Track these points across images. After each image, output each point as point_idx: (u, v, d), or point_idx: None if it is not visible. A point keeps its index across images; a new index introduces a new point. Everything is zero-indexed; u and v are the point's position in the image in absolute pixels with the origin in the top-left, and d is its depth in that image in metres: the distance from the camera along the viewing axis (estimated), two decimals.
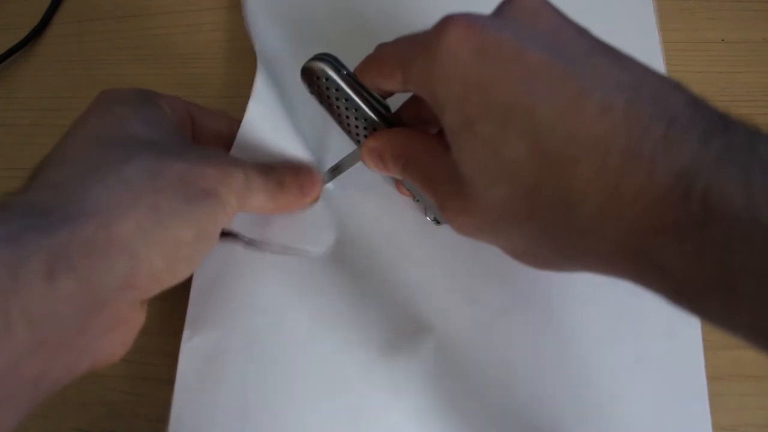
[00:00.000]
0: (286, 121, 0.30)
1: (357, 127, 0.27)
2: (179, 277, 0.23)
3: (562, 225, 0.19)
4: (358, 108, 0.26)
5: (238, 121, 0.28)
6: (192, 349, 0.29)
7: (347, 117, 0.26)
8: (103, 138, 0.23)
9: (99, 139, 0.23)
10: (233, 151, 0.28)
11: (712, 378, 0.28)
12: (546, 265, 0.22)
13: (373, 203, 0.32)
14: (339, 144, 0.30)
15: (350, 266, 0.30)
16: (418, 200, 0.31)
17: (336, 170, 0.30)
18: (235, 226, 0.30)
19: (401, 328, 0.29)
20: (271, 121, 0.29)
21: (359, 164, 0.28)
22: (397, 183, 0.31)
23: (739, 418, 0.28)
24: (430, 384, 0.28)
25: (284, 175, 0.28)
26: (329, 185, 0.31)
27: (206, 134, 0.29)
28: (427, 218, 0.31)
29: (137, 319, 0.23)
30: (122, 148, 0.23)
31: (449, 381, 0.28)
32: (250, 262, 0.30)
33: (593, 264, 0.19)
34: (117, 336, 0.23)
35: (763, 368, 0.29)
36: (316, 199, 0.30)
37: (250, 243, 0.30)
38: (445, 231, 0.31)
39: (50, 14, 0.42)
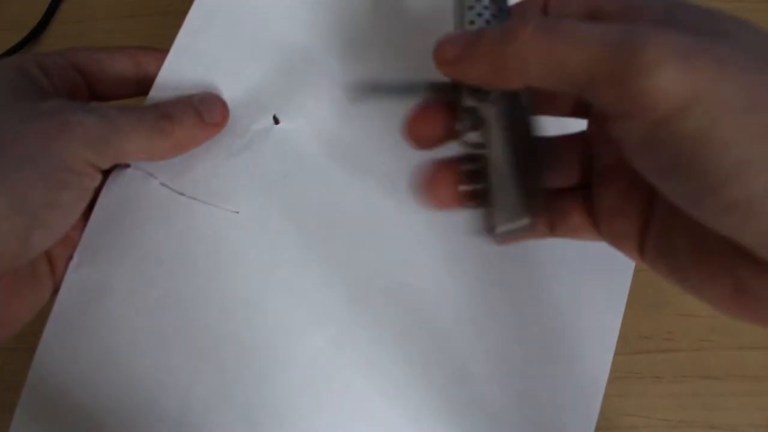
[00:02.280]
0: (228, 52, 0.27)
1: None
2: (17, 253, 0.22)
3: None
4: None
5: (152, 55, 0.25)
6: (75, 280, 0.26)
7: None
8: None
9: None
10: (152, 93, 0.25)
11: (712, 379, 0.28)
12: None
13: (339, 164, 0.27)
14: (305, 78, 0.27)
15: (276, 239, 0.27)
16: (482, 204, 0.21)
17: (379, 89, 0.22)
18: (149, 167, 0.27)
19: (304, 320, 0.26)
20: (204, 56, 0.26)
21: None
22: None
23: (739, 418, 0.28)
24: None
25: (172, 106, 0.24)
26: (282, 125, 0.27)
27: (108, 83, 0.26)
28: (480, 230, 0.22)
29: None
30: None
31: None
32: (159, 199, 0.27)
33: None
34: None
35: (763, 368, 0.29)
36: (220, 127, 0.26)
37: (164, 185, 0.27)
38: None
39: (50, 14, 0.42)
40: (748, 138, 0.14)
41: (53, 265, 0.26)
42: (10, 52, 0.41)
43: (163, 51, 0.27)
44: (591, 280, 0.27)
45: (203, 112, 0.25)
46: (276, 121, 0.27)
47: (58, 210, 0.22)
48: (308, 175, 0.27)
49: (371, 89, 0.22)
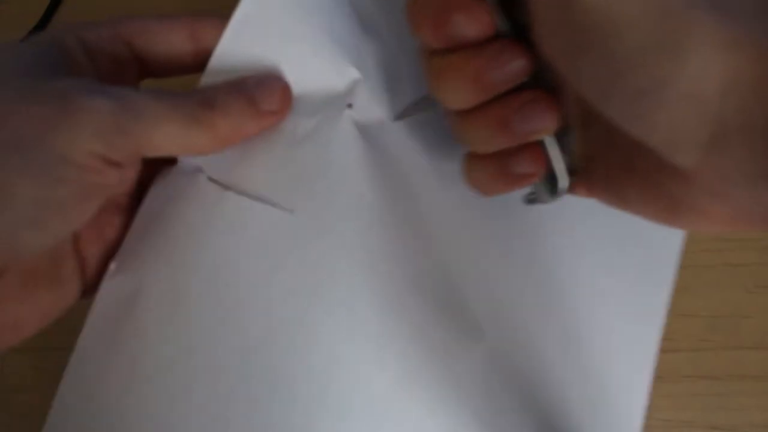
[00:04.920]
0: (299, 23, 0.22)
1: None
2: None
3: None
4: None
5: (211, 25, 0.22)
6: (109, 289, 0.23)
7: None
8: None
9: None
10: (206, 74, 0.22)
11: (712, 379, 0.28)
12: None
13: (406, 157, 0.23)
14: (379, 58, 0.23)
15: (337, 248, 0.22)
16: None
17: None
18: (198, 160, 0.23)
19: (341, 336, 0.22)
20: (272, 26, 0.22)
21: None
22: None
23: (739, 419, 0.28)
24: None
25: (217, 91, 0.21)
26: (356, 113, 0.22)
27: (162, 59, 0.22)
28: (530, 197, 0.23)
29: None
30: None
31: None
32: (205, 197, 0.23)
33: None
34: None
35: (763, 368, 0.29)
36: (279, 116, 0.22)
37: (213, 180, 0.23)
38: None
39: (49, 14, 0.42)
40: (655, 20, 0.13)
41: (84, 266, 0.23)
42: None
43: (223, 20, 0.22)
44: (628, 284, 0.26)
45: (258, 98, 0.21)
46: (349, 105, 0.23)
47: (52, 208, 0.19)
48: (383, 175, 0.23)
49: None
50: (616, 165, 0.18)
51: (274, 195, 0.22)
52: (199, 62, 0.22)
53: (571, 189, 0.21)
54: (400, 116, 0.23)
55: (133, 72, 0.22)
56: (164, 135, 0.19)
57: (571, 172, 0.20)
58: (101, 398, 0.22)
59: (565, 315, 0.25)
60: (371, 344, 0.21)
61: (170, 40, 0.22)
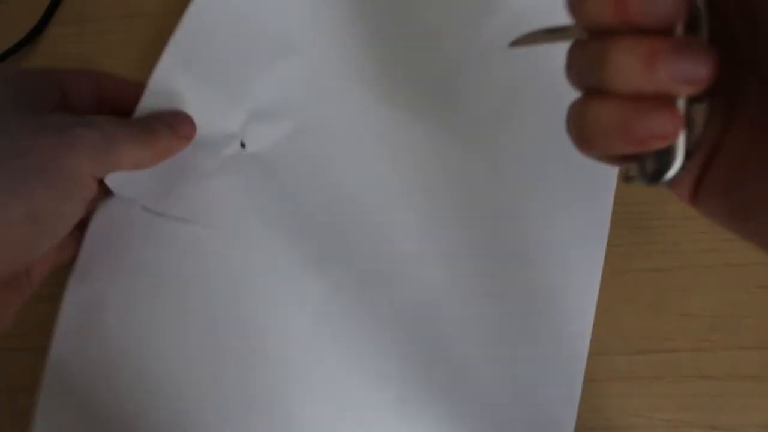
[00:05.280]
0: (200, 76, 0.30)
1: None
2: (22, 259, 0.24)
3: None
4: None
5: (115, 83, 0.29)
6: (74, 297, 0.29)
7: None
8: None
9: None
10: (138, 111, 0.29)
11: (712, 379, 0.28)
12: None
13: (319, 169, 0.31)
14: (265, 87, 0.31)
15: (248, 253, 0.30)
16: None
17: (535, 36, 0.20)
18: (130, 192, 0.29)
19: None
20: (176, 96, 0.29)
21: None
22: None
23: (739, 419, 0.28)
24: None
25: (153, 121, 0.28)
26: (249, 149, 0.31)
27: (123, 104, 0.29)
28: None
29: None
30: None
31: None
32: (142, 221, 0.30)
33: None
34: None
35: (763, 368, 0.29)
36: (189, 140, 0.30)
37: (146, 209, 0.30)
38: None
39: (49, 15, 0.42)
40: None
41: (30, 272, 0.27)
42: (9, 52, 0.41)
43: (131, 84, 0.30)
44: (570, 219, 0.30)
45: (176, 127, 0.28)
46: (243, 145, 0.31)
47: (61, 219, 0.24)
48: (275, 193, 0.31)
49: (527, 38, 0.20)
50: (759, 170, 0.16)
51: (195, 216, 0.30)
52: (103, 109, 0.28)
53: (679, 181, 0.17)
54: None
55: (101, 107, 0.28)
56: (126, 154, 0.26)
57: (689, 153, 0.17)
58: (82, 383, 0.28)
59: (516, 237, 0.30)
60: (286, 296, 0.30)
61: (128, 92, 0.29)
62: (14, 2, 0.43)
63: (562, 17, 0.17)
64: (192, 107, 0.30)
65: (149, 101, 0.29)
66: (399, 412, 0.29)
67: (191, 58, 0.30)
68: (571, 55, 0.17)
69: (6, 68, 0.28)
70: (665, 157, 0.17)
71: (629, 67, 0.15)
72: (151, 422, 0.28)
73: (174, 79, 0.29)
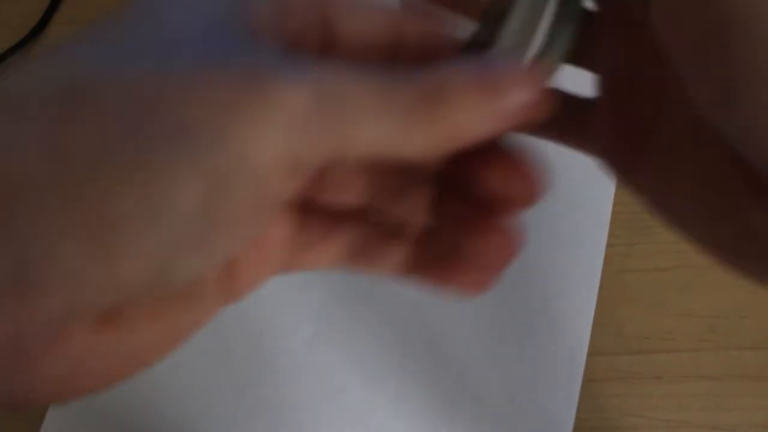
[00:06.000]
0: None
1: None
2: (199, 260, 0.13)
3: None
4: None
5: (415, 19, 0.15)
6: None
7: None
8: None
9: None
10: None
11: (712, 379, 0.28)
12: None
13: None
14: None
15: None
16: None
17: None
18: None
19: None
20: None
21: None
22: None
23: (739, 419, 0.28)
24: None
25: (443, 72, 0.14)
26: None
27: (349, 43, 0.15)
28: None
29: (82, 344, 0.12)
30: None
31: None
32: None
33: None
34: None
35: (763, 368, 0.29)
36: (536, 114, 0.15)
37: None
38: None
39: (48, 15, 0.42)
40: None
41: (232, 274, 0.16)
42: (9, 52, 0.41)
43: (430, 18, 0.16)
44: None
45: (501, 79, 0.14)
46: None
47: (220, 225, 0.13)
48: None
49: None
50: (690, 167, 0.15)
51: None
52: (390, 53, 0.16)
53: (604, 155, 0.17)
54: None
55: (310, 44, 0.15)
56: (373, 136, 0.13)
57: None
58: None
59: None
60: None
61: (372, 20, 0.16)
62: (13, 3, 0.43)
63: None
64: None
65: None
66: (398, 411, 0.29)
67: None
68: None
69: None
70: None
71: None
72: (157, 415, 0.29)
73: None
